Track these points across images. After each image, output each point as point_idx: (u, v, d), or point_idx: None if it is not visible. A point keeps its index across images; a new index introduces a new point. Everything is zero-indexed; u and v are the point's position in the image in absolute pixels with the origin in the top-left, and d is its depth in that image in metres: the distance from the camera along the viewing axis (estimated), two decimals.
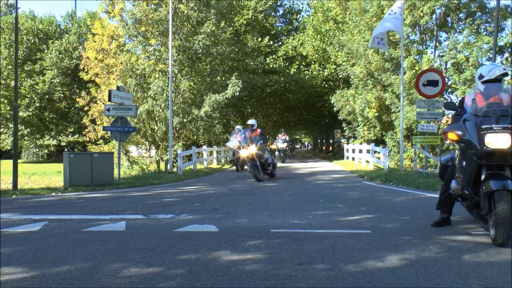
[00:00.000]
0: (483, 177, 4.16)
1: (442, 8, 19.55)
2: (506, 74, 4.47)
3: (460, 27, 20.23)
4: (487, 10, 19.52)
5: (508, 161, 4.06)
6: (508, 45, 18.88)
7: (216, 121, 22.83)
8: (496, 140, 3.99)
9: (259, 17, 30.72)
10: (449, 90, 20.01)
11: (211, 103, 21.01)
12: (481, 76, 4.54)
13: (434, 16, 19.79)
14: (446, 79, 19.13)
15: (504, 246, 4.00)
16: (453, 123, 4.65)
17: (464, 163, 4.35)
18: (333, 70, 29.01)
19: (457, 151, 4.66)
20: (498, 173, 4.10)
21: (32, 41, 37.29)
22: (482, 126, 4.08)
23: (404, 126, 17.63)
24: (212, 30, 20.84)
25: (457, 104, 4.91)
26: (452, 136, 4.33)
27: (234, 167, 21.85)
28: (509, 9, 19.40)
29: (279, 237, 4.52)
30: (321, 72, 30.80)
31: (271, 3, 31.32)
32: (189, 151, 18.99)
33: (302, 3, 52.63)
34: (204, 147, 21.96)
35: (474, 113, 4.29)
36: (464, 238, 4.48)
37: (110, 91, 13.31)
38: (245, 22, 29.88)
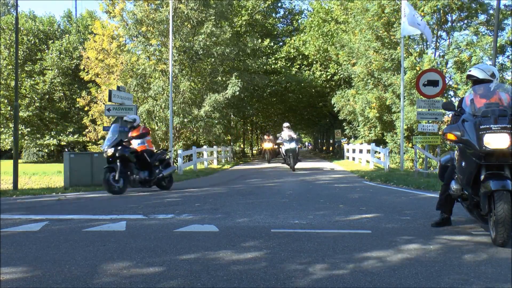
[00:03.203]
0: (482, 177, 4.15)
1: (443, 7, 19.55)
2: (468, 76, 4.86)
3: (461, 27, 20.24)
4: (488, 9, 19.54)
5: (508, 161, 4.06)
6: (508, 43, 18.88)
7: (216, 121, 22.85)
8: (495, 140, 3.99)
9: (259, 17, 30.73)
10: (450, 90, 20.03)
11: (211, 103, 21.03)
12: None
13: (435, 15, 19.79)
14: (447, 79, 19.14)
15: (505, 246, 4.00)
16: (452, 124, 4.67)
17: (463, 164, 4.35)
18: (335, 71, 29.00)
19: (456, 151, 4.66)
20: (498, 173, 4.09)
21: (33, 41, 37.31)
22: (481, 126, 4.08)
23: (404, 126, 17.63)
24: (212, 30, 20.86)
25: (456, 104, 4.93)
26: (451, 136, 4.34)
27: (236, 167, 21.91)
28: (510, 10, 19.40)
29: (280, 237, 4.52)
30: (323, 73, 30.79)
31: (269, 3, 31.31)
32: (190, 151, 19.01)
33: (304, 3, 52.72)
34: (205, 147, 21.97)
35: (473, 113, 4.30)
36: (465, 238, 4.48)
37: (110, 91, 13.30)
38: (244, 23, 29.90)
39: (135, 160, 9.58)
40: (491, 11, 19.42)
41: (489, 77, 4.64)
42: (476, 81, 4.71)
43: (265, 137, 27.14)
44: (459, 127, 4.30)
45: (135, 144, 9.89)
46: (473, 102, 4.38)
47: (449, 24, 20.48)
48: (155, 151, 10.45)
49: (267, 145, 25.70)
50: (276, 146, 32.81)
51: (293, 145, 16.71)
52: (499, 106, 4.22)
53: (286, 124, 17.88)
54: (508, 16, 19.23)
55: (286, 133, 17.24)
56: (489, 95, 4.37)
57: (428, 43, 18.36)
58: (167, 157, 10.77)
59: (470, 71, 4.82)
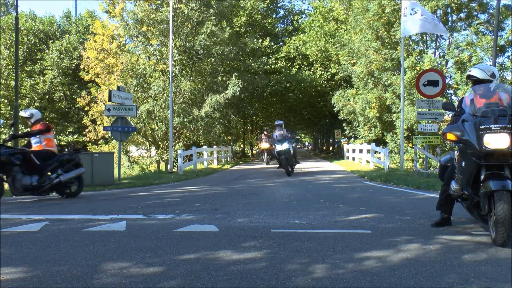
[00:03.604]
0: (482, 177, 4.15)
1: (443, 8, 19.54)
2: (468, 77, 4.85)
3: (461, 27, 20.25)
4: (488, 8, 19.54)
5: (508, 161, 4.06)
6: (508, 43, 18.87)
7: (216, 122, 22.85)
8: (495, 140, 4.00)
9: (258, 18, 30.75)
10: (450, 90, 20.04)
11: (212, 103, 21.03)
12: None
13: (435, 15, 19.79)
14: (447, 79, 19.14)
15: (505, 246, 4.00)
16: (452, 124, 4.68)
17: (463, 164, 4.35)
18: (336, 71, 29.00)
19: (456, 151, 4.66)
20: (498, 173, 4.09)
21: (33, 41, 37.31)
22: (481, 126, 4.08)
23: (404, 126, 17.63)
24: (212, 30, 20.87)
25: (456, 104, 4.94)
26: (451, 136, 4.35)
27: (236, 167, 21.85)
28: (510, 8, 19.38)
29: (280, 237, 4.52)
30: (323, 73, 30.77)
31: (267, 2, 31.30)
32: (190, 151, 19.01)
33: (304, 2, 52.72)
34: (205, 147, 21.97)
35: (473, 113, 4.30)
36: (465, 238, 4.48)
37: (110, 91, 13.33)
38: (243, 24, 29.91)
39: (19, 162, 8.02)
40: (490, 10, 19.42)
41: (489, 77, 4.64)
42: (476, 81, 4.71)
43: (263, 135, 23.96)
44: (459, 127, 4.31)
45: (33, 143, 8.57)
46: (473, 102, 4.38)
47: (449, 24, 20.48)
48: (55, 151, 8.83)
49: (265, 145, 22.42)
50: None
51: (285, 145, 14.32)
52: (499, 106, 4.23)
53: (277, 122, 15.63)
54: (508, 16, 19.23)
55: (277, 132, 14.92)
56: (489, 95, 4.37)
57: (443, 36, 18.44)
58: (77, 158, 8.86)
59: (470, 71, 4.82)
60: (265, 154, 22.79)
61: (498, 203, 3.94)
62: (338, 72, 28.39)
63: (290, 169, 14.58)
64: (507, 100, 4.31)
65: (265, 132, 24.30)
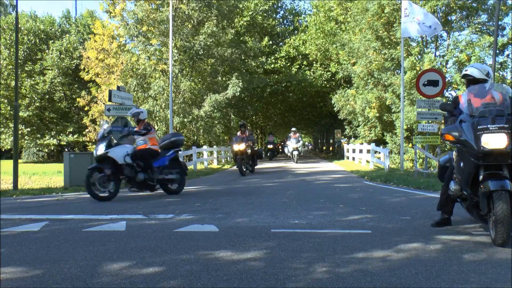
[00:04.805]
0: (481, 177, 4.16)
1: (443, 7, 19.53)
2: (464, 76, 4.79)
3: (461, 27, 20.25)
4: (488, 8, 19.52)
5: (506, 161, 4.06)
6: (509, 42, 18.84)
7: (216, 121, 22.84)
8: (492, 140, 4.00)
9: (258, 18, 30.73)
10: (450, 89, 20.03)
11: (212, 103, 21.02)
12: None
13: (435, 15, 19.77)
14: (448, 79, 19.13)
15: (504, 246, 4.00)
16: (446, 124, 4.68)
17: (461, 164, 4.35)
18: (336, 70, 28.96)
19: (454, 152, 4.67)
20: (496, 173, 4.10)
21: (33, 41, 37.32)
22: (479, 127, 4.09)
23: (404, 126, 17.61)
24: (212, 30, 20.88)
25: (450, 103, 4.94)
26: (449, 137, 4.35)
27: (236, 167, 21.79)
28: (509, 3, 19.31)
29: (280, 237, 4.53)
30: (323, 72, 30.75)
31: (270, 4, 31.29)
32: (190, 151, 19.00)
33: (305, 2, 52.66)
34: (205, 147, 21.96)
35: (470, 113, 4.30)
36: (465, 238, 4.48)
37: (110, 91, 13.31)
38: (245, 24, 29.91)
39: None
40: (487, 6, 19.39)
41: (485, 76, 4.64)
42: (471, 80, 4.69)
43: (239, 133, 16.61)
44: (456, 128, 4.31)
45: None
46: (470, 103, 4.38)
47: (450, 24, 20.47)
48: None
49: (237, 147, 15.13)
50: (273, 146, 31.04)
51: (101, 150, 8.37)
52: (496, 106, 4.23)
53: (131, 111, 9.77)
54: (508, 11, 19.14)
55: (103, 126, 9.66)
56: (483, 95, 4.38)
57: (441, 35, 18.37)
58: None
59: (466, 70, 4.80)
60: (239, 159, 15.20)
61: (497, 203, 3.95)
62: (338, 71, 28.35)
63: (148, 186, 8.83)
64: (500, 99, 4.31)
65: (241, 128, 16.85)
